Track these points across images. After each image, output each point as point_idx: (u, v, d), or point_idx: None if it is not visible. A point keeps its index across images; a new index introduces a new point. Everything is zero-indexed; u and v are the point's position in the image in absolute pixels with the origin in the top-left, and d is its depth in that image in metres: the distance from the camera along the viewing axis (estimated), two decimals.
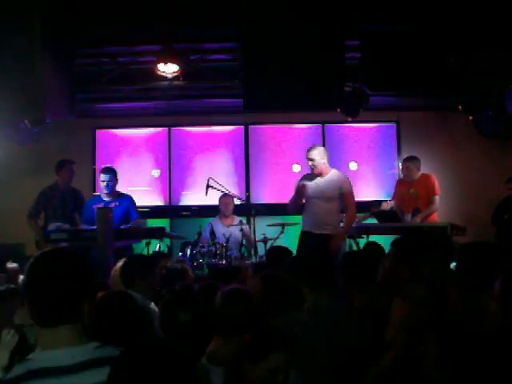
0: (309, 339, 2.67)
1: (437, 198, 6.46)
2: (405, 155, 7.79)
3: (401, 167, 6.97)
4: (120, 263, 4.11)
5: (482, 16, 5.93)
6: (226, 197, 7.05)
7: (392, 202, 6.76)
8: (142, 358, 1.43)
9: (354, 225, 6.33)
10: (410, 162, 6.65)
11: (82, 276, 1.68)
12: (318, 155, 5.96)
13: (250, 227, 7.05)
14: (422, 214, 6.29)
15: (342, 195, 5.92)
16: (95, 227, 5.34)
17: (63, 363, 1.57)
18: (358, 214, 7.12)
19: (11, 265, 5.45)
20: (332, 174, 6.03)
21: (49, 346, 1.62)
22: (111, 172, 6.13)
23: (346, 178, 6.12)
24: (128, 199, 6.22)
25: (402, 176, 7.13)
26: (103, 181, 6.04)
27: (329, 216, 5.92)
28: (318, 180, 6.00)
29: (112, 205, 5.88)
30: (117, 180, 6.17)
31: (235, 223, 6.99)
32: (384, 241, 6.86)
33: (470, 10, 5.95)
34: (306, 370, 2.47)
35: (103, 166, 6.35)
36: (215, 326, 2.66)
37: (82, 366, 1.58)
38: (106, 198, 6.09)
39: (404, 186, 6.70)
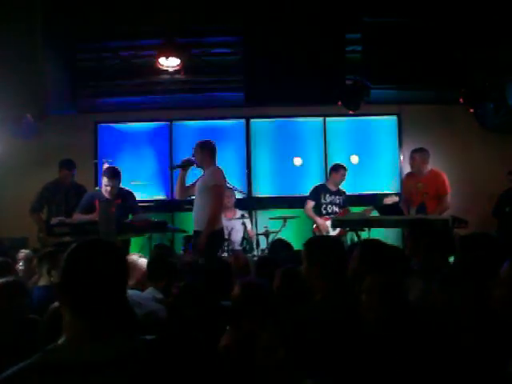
0: (320, 332, 2.67)
1: (448, 196, 6.48)
2: (406, 148, 7.81)
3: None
4: (139, 259, 4.15)
5: (484, 9, 5.93)
6: (227, 190, 7.06)
7: (395, 198, 6.76)
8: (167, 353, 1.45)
9: (355, 218, 6.34)
10: (417, 153, 6.66)
11: (119, 269, 1.68)
12: (199, 147, 5.73)
13: (251, 221, 7.08)
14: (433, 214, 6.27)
15: (208, 189, 5.57)
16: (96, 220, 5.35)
17: (85, 358, 1.54)
18: (351, 209, 7.20)
19: (23, 253, 5.30)
20: (209, 169, 5.68)
21: (75, 339, 1.59)
22: (116, 177, 6.02)
23: (217, 172, 5.68)
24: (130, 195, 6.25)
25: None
26: (107, 185, 5.93)
27: (198, 211, 5.66)
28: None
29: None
30: (120, 181, 6.10)
31: (237, 216, 7.01)
32: (385, 233, 6.93)
33: (471, 2, 5.95)
34: (314, 364, 2.47)
35: (108, 169, 6.14)
36: (225, 319, 2.68)
37: (103, 363, 1.54)
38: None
39: (412, 180, 6.70)
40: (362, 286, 2.52)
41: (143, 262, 4.23)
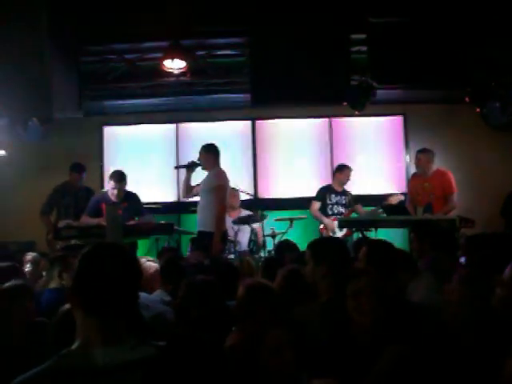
0: (326, 332, 2.67)
1: (454, 196, 6.46)
2: (412, 148, 7.80)
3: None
4: (146, 262, 4.14)
5: (490, 7, 5.91)
6: (231, 189, 7.04)
7: (401, 197, 6.75)
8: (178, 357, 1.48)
9: (361, 218, 6.31)
10: (421, 153, 6.66)
11: (132, 272, 1.70)
12: (203, 150, 5.87)
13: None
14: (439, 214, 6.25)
15: (212, 189, 5.69)
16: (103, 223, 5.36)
17: (97, 363, 1.54)
18: (364, 208, 7.19)
19: (29, 256, 5.28)
20: (213, 170, 5.81)
21: (87, 343, 1.59)
22: (123, 181, 6.06)
23: (220, 173, 5.82)
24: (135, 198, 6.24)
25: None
26: (114, 188, 5.96)
27: (202, 212, 5.76)
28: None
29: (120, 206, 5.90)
30: (126, 183, 6.13)
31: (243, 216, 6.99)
32: (391, 233, 6.90)
33: (476, 1, 5.94)
34: (320, 365, 2.47)
35: (115, 172, 6.15)
36: (232, 320, 2.67)
37: (115, 368, 1.55)
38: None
39: (418, 180, 6.68)
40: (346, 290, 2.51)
41: (150, 264, 4.23)
